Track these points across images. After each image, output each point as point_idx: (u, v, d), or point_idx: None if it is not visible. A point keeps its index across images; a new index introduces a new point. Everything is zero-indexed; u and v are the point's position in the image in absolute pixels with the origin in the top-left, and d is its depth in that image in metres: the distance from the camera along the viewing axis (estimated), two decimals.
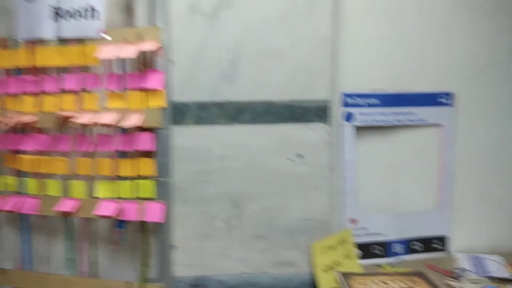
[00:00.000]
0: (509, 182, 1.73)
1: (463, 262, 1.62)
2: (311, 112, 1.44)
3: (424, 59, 1.65)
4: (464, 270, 1.47)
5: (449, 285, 1.40)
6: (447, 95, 1.68)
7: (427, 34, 1.63)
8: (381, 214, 1.67)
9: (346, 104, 1.62)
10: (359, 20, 1.57)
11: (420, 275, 1.47)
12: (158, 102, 1.32)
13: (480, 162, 1.72)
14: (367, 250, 1.66)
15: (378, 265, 1.62)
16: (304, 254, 1.47)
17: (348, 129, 1.63)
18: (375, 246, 1.67)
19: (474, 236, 1.74)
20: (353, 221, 1.65)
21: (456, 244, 1.73)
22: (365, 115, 1.64)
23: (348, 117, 1.63)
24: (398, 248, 1.69)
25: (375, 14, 1.59)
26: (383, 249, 1.68)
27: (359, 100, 1.63)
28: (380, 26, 1.60)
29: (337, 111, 1.60)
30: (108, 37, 1.33)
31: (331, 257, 1.47)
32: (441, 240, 1.73)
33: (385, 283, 1.41)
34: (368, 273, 1.49)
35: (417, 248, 1.71)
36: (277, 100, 1.43)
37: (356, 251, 1.62)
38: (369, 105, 1.64)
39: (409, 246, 1.71)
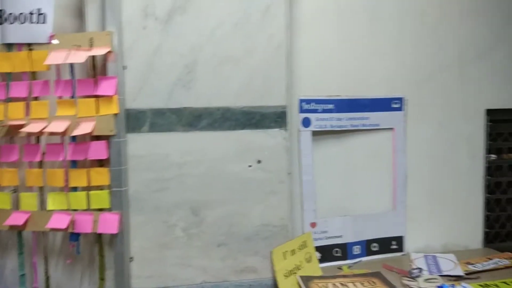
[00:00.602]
0: (458, 183, 1.76)
1: (418, 261, 1.62)
2: (268, 118, 1.40)
3: (376, 66, 1.66)
4: (419, 269, 1.47)
5: (405, 285, 1.39)
6: (399, 100, 1.70)
7: (379, 41, 1.64)
8: (340, 217, 1.66)
9: (303, 110, 1.60)
10: (313, 28, 1.56)
11: (377, 275, 1.45)
12: (111, 109, 1.24)
13: (431, 164, 1.74)
14: (327, 252, 1.63)
15: (339, 267, 1.59)
16: (265, 260, 1.42)
17: (305, 134, 1.61)
18: (335, 248, 1.65)
19: (428, 236, 1.75)
20: (312, 224, 1.62)
21: (412, 244, 1.74)
22: (321, 120, 1.63)
23: (305, 122, 1.61)
24: (357, 249, 1.68)
25: (328, 22, 1.59)
26: (342, 251, 1.66)
27: (315, 106, 1.61)
28: (334, 34, 1.60)
29: (295, 116, 1.58)
30: (57, 42, 1.24)
31: (291, 262, 1.43)
32: (398, 240, 1.73)
33: (345, 285, 1.38)
34: (328, 276, 1.46)
35: (375, 249, 1.70)
36: (234, 106, 1.38)
37: (316, 255, 1.59)
38: (325, 111, 1.63)
39: (368, 247, 1.70)
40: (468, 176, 1.77)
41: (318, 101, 1.62)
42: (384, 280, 1.42)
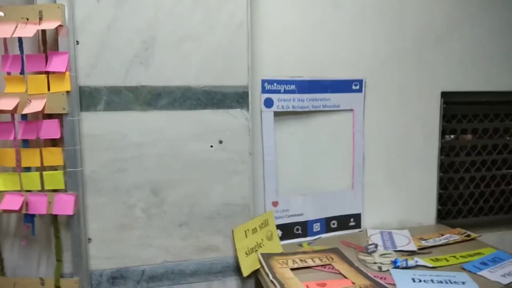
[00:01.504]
0: (414, 163, 1.76)
1: (375, 237, 1.62)
2: (230, 98, 1.34)
3: (338, 48, 1.62)
4: (375, 245, 1.46)
5: (362, 260, 1.38)
6: (359, 82, 1.66)
7: (339, 23, 1.59)
8: (301, 195, 1.63)
9: (265, 90, 1.54)
10: (275, 8, 1.49)
11: (335, 251, 1.44)
12: (62, 86, 1.14)
13: (388, 145, 1.73)
14: (288, 230, 1.61)
15: (299, 244, 1.57)
16: (227, 239, 1.37)
17: (267, 114, 1.55)
18: (296, 226, 1.62)
19: (385, 213, 1.76)
20: (274, 203, 1.58)
21: (369, 221, 1.74)
22: (283, 101, 1.57)
23: (267, 103, 1.55)
24: (317, 227, 1.66)
25: (291, 3, 1.52)
26: (303, 228, 1.63)
27: (278, 86, 1.56)
28: (296, 15, 1.54)
29: (257, 97, 1.52)
30: (2, 15, 1.12)
31: (253, 240, 1.39)
32: (356, 217, 1.72)
33: (304, 261, 1.36)
34: (288, 253, 1.44)
35: (334, 226, 1.69)
36: (195, 85, 1.31)
37: (278, 232, 1.56)
38: (287, 91, 1.57)
39: (327, 224, 1.68)
40: (423, 156, 1.77)
41: (280, 82, 1.56)
42: (342, 256, 1.40)
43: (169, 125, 1.30)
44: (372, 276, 1.24)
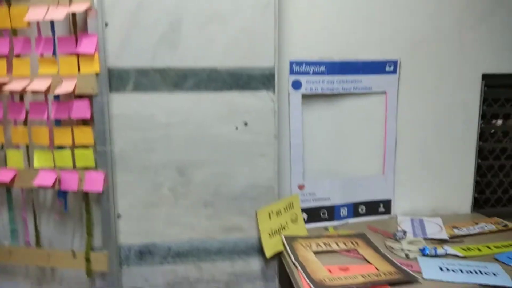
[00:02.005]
0: (450, 148, 1.68)
1: (404, 224, 1.58)
2: (256, 80, 1.32)
3: (371, 27, 1.55)
4: (404, 232, 1.42)
5: (389, 246, 1.35)
6: (393, 63, 1.59)
7: (374, 2, 1.52)
8: (328, 179, 1.60)
9: (293, 72, 1.51)
10: None
11: (361, 236, 1.42)
12: (92, 67, 1.17)
13: (423, 130, 1.66)
14: (314, 214, 1.60)
15: (325, 228, 1.55)
16: (251, 220, 1.38)
17: (295, 97, 1.53)
18: (322, 210, 1.61)
19: (417, 200, 1.70)
20: (300, 187, 1.57)
21: (400, 208, 1.69)
22: (311, 83, 1.54)
23: (295, 85, 1.52)
24: (344, 211, 1.64)
25: None
26: (329, 213, 1.62)
27: (306, 68, 1.53)
28: None
29: (285, 79, 1.50)
30: None
31: (277, 222, 1.39)
32: (385, 204, 1.68)
33: (328, 244, 1.35)
34: (312, 236, 1.43)
35: (363, 211, 1.66)
36: (221, 67, 1.30)
37: (303, 216, 1.55)
38: (316, 73, 1.54)
39: (355, 209, 1.65)
40: (461, 141, 1.69)
41: (309, 63, 1.52)
42: (367, 241, 1.38)
43: (195, 106, 1.31)
44: (397, 263, 1.21)
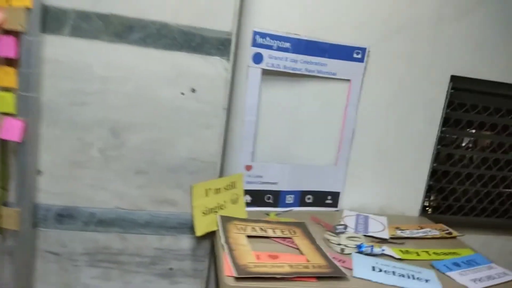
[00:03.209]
0: (407, 147, 1.65)
1: (348, 219, 1.54)
2: (210, 43, 1.22)
3: (344, 10, 1.48)
4: (345, 226, 1.38)
5: (326, 239, 1.30)
6: (361, 50, 1.53)
7: None
8: (278, 163, 1.54)
9: (256, 44, 1.42)
10: None
11: (300, 226, 1.37)
12: (23, 0, 1.04)
13: (383, 124, 1.61)
14: (258, 197, 1.53)
15: (266, 213, 1.49)
16: (187, 195, 1.31)
17: (254, 71, 1.44)
18: (268, 194, 1.55)
19: (366, 196, 1.67)
20: (247, 167, 1.50)
21: (348, 202, 1.66)
22: (274, 59, 1.45)
23: (256, 58, 1.43)
24: (290, 199, 1.58)
25: None
26: (275, 198, 1.56)
27: (270, 42, 1.44)
28: None
29: (245, 49, 1.40)
30: None
31: (214, 200, 1.32)
32: (334, 196, 1.64)
33: (264, 230, 1.29)
34: (251, 220, 1.37)
35: (309, 201, 1.61)
36: (173, 23, 1.20)
37: (246, 198, 1.48)
38: (280, 49, 1.45)
39: (302, 198, 1.60)
40: (419, 142, 1.66)
41: (274, 37, 1.43)
42: (305, 231, 1.33)
43: (138, 63, 1.20)
44: (330, 257, 1.17)
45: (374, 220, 1.56)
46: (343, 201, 1.65)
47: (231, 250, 1.13)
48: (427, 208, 1.78)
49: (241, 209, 1.42)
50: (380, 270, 1.14)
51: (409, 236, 1.44)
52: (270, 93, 1.49)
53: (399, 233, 1.45)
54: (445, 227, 1.57)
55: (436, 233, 1.50)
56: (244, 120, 1.46)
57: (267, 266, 1.07)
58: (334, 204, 1.64)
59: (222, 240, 1.18)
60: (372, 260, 1.20)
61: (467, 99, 1.68)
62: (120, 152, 1.25)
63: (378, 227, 1.49)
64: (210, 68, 1.24)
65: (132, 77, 1.21)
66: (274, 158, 1.54)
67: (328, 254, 1.19)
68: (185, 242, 1.34)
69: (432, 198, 1.79)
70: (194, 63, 1.23)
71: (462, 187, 1.78)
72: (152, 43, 1.20)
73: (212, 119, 1.27)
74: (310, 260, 1.14)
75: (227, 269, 1.04)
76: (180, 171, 1.28)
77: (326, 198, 1.63)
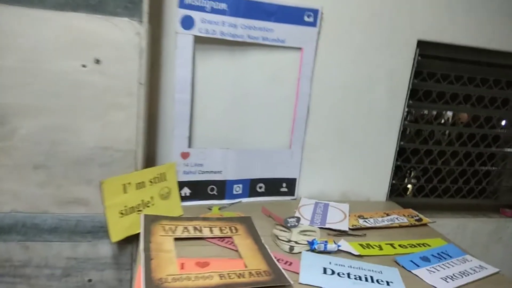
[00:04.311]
0: (367, 124, 1.44)
1: (305, 209, 1.34)
2: (115, 1, 0.97)
3: None
4: (297, 218, 1.17)
5: (274, 234, 1.09)
6: (314, 12, 1.30)
7: None
8: (221, 149, 1.31)
9: (184, 4, 1.18)
10: None
11: (245, 221, 1.15)
12: None
13: (342, 98, 1.40)
14: (200, 189, 1.31)
15: (209, 208, 1.27)
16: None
17: (184, 38, 1.20)
18: (211, 185, 1.32)
19: (326, 182, 1.47)
20: (184, 155, 1.27)
21: (305, 188, 1.45)
22: (208, 23, 1.21)
23: (185, 22, 1.19)
24: (238, 189, 1.36)
25: None
26: (220, 189, 1.34)
27: (202, 2, 1.19)
28: None
29: (171, 11, 1.16)
30: None
31: (136, 197, 1.08)
32: (290, 183, 1.42)
33: (199, 230, 1.07)
34: (184, 218, 1.14)
35: (261, 190, 1.39)
36: None
37: (185, 191, 1.26)
38: (215, 11, 1.21)
39: (252, 187, 1.38)
40: (383, 118, 1.46)
41: None
42: (250, 228, 1.12)
43: (24, 28, 0.95)
44: (274, 259, 0.96)
45: (334, 209, 1.36)
46: (300, 189, 1.44)
47: (148, 259, 0.90)
48: (396, 192, 1.59)
49: (174, 205, 1.19)
50: (333, 272, 0.93)
51: (372, 225, 1.25)
52: (207, 65, 1.26)
53: (361, 222, 1.26)
54: (415, 212, 1.39)
55: (404, 220, 1.31)
56: (175, 99, 1.22)
57: (191, 279, 0.85)
58: (290, 192, 1.43)
59: (141, 247, 0.95)
60: (324, 260, 0.99)
61: (437, 68, 1.48)
62: (9, 143, 0.99)
63: (338, 217, 1.29)
64: (117, 33, 0.99)
65: (16, 45, 0.95)
66: (216, 143, 1.32)
67: (272, 255, 0.98)
68: (104, 249, 1.10)
69: (400, 180, 1.60)
70: (95, 26, 0.98)
71: (434, 166, 1.60)
72: (38, 2, 0.94)
73: (125, 98, 1.03)
74: (248, 265, 0.93)
75: (137, 285, 0.82)
76: (89, 164, 1.04)
77: (281, 186, 1.42)
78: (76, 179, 1.05)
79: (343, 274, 0.93)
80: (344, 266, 0.97)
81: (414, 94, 1.47)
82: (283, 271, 0.91)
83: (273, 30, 1.28)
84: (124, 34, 1.00)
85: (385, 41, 1.37)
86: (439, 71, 1.49)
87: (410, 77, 1.43)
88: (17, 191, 1.03)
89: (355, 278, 0.92)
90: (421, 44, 1.41)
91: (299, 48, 1.31)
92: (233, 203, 1.34)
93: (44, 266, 1.08)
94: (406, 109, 1.46)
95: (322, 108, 1.38)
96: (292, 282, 0.87)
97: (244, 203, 1.36)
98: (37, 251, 1.07)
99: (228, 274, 0.88)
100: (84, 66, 0.99)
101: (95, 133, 1.03)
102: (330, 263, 0.98)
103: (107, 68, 1.00)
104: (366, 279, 0.92)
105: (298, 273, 0.93)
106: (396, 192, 1.58)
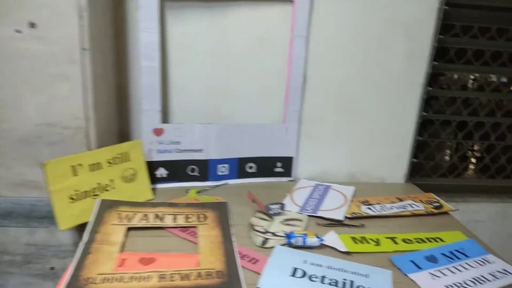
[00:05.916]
0: (378, 91, 1.21)
1: (301, 192, 1.16)
2: None
3: None
4: (281, 205, 1.00)
5: (252, 224, 0.93)
6: None
7: None
8: (201, 124, 1.15)
9: None
10: None
11: (218, 208, 1.00)
12: None
13: (347, 61, 1.18)
14: (179, 170, 1.17)
15: (186, 191, 1.13)
16: None
17: None
18: (191, 166, 1.18)
19: (329, 160, 1.27)
20: (157, 131, 1.13)
21: (305, 169, 1.26)
22: None
23: None
24: (223, 169, 1.20)
25: None
26: (202, 170, 1.19)
27: None
28: None
29: None
30: None
31: (91, 180, 0.97)
32: (286, 162, 1.24)
33: (160, 218, 0.93)
34: (148, 204, 1.02)
35: (252, 170, 1.23)
36: None
37: (161, 172, 1.13)
38: None
39: (240, 167, 1.22)
40: (401, 84, 1.21)
41: None
42: (221, 216, 0.96)
43: None
44: (236, 257, 0.80)
45: (336, 192, 1.17)
46: (299, 169, 1.26)
47: (85, 253, 0.79)
48: (418, 171, 1.34)
49: (142, 189, 1.06)
50: (304, 274, 0.76)
51: (377, 214, 1.04)
52: (181, 27, 1.09)
53: (364, 210, 1.06)
54: (435, 197, 1.15)
55: (420, 207, 1.09)
56: (142, 66, 1.07)
57: (123, 279, 0.72)
58: (287, 173, 1.25)
59: (84, 238, 0.84)
60: (299, 258, 0.82)
61: (470, 19, 1.20)
62: None
63: (336, 203, 1.09)
64: None
65: None
66: (197, 117, 1.16)
67: (237, 250, 0.82)
68: (65, 236, 1.01)
69: (426, 159, 1.35)
70: None
71: (467, 141, 1.33)
72: None
73: (67, 66, 0.90)
74: (202, 263, 0.78)
75: (59, 285, 0.70)
76: (36, 143, 0.94)
77: (275, 166, 1.24)
78: (26, 160, 0.95)
79: (316, 277, 0.75)
80: (321, 266, 0.79)
81: (442, 54, 1.20)
82: (240, 272, 0.76)
83: None
84: None
85: None
86: (475, 23, 1.20)
87: (434, 32, 1.16)
88: None
89: (330, 284, 0.74)
90: None
91: (290, 1, 1.10)
92: (217, 185, 1.19)
93: (3, 252, 1.01)
94: (430, 72, 1.20)
95: (321, 74, 1.16)
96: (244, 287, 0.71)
97: (231, 185, 1.21)
98: None
99: (171, 274, 0.74)
100: (18, 31, 0.86)
101: (38, 108, 0.92)
102: (305, 261, 0.80)
103: (44, 32, 0.87)
104: (344, 285, 0.73)
105: (260, 274, 0.76)
106: (421, 173, 1.34)
